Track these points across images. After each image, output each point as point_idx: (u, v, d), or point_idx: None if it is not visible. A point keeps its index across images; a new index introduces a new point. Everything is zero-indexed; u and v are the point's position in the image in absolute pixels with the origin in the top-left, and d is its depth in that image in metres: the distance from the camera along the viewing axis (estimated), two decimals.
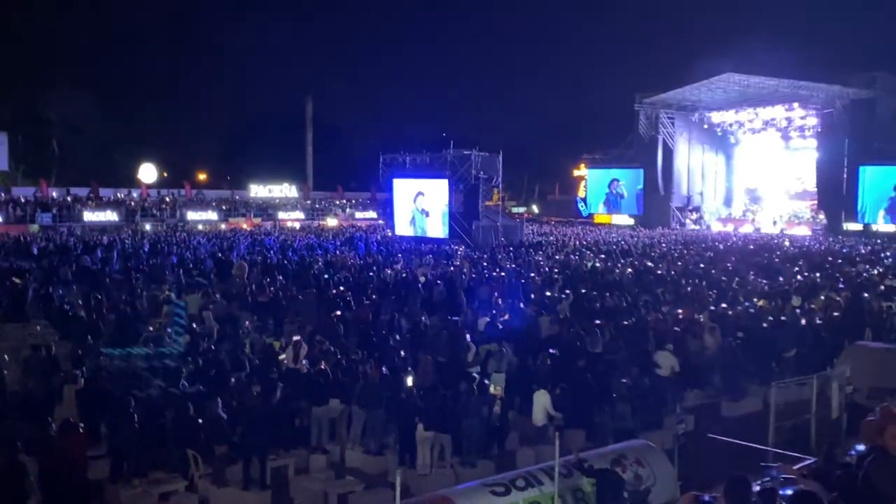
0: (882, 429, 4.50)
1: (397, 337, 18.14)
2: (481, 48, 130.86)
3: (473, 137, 53.52)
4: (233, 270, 26.74)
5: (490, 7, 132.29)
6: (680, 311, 20.93)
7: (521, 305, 21.45)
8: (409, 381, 13.66)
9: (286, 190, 75.96)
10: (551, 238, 49.29)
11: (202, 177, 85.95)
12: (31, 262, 29.29)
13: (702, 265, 31.85)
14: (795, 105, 58.76)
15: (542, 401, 13.43)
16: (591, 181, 73.52)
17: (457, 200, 47.34)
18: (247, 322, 19.51)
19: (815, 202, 60.90)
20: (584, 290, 24.03)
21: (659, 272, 29.41)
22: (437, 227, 47.58)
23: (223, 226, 59.19)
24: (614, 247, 41.32)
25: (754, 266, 31.61)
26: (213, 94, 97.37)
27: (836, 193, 57.34)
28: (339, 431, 13.66)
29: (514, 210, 78.20)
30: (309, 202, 74.54)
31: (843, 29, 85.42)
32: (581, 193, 77.67)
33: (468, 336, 17.11)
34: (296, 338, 16.29)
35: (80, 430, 10.82)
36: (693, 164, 67.58)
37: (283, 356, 15.79)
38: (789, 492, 4.19)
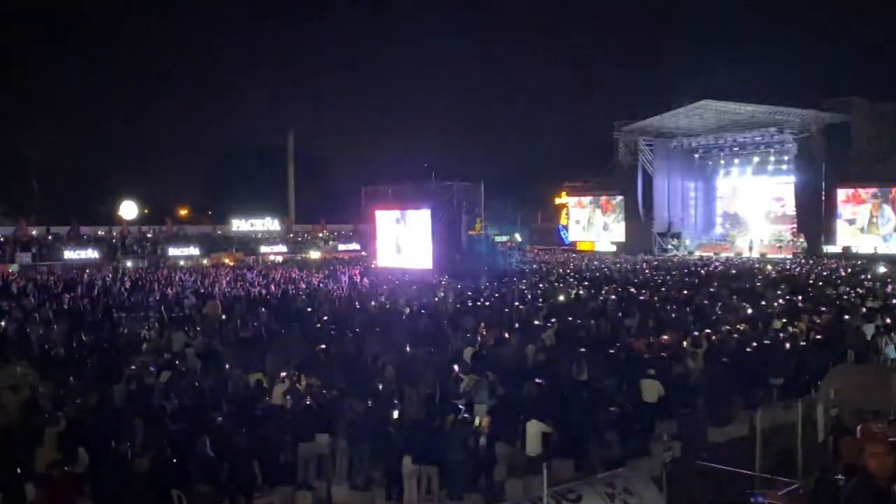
0: (861, 448, 4.51)
1: (382, 369, 18.01)
2: (461, 78, 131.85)
3: (455, 167, 53.94)
4: (205, 310, 26.38)
5: (470, 38, 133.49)
6: (664, 337, 20.95)
7: (506, 335, 21.40)
8: (395, 414, 13.57)
9: (268, 224, 75.91)
10: (534, 266, 49.45)
11: (183, 212, 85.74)
12: (11, 301, 29.00)
13: (685, 291, 31.99)
14: (772, 130, 59.51)
15: (534, 430, 13.36)
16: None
17: (439, 230, 47.44)
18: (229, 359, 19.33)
19: (795, 225, 61.48)
20: (569, 318, 24.06)
21: (642, 298, 29.52)
22: (420, 258, 47.58)
23: (205, 261, 58.92)
24: (597, 274, 41.48)
25: (736, 291, 31.78)
26: (193, 129, 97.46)
27: (814, 216, 57.94)
28: (325, 467, 13.52)
29: (497, 239, 78.24)
30: (291, 235, 74.45)
31: (817, 55, 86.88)
32: (563, 221, 78.05)
33: (456, 367, 17.01)
34: (283, 374, 16.17)
35: (63, 474, 10.66)
36: (673, 190, 68.13)
37: (266, 392, 15.64)
38: None
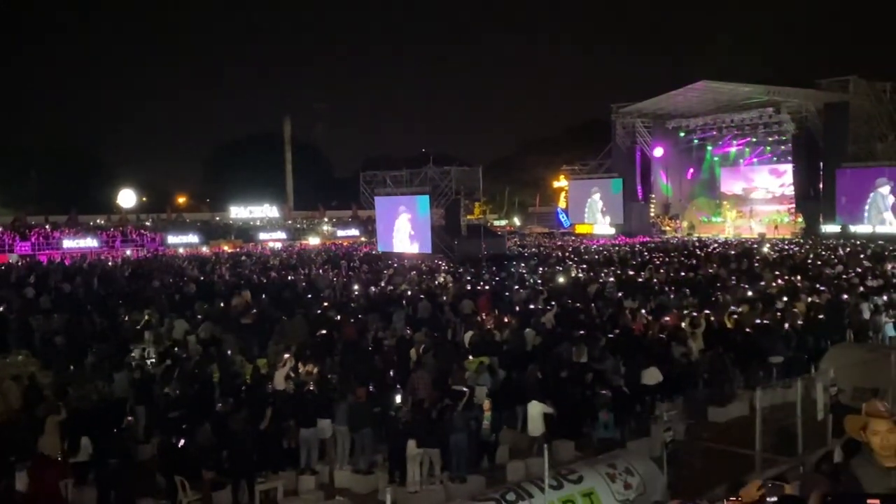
0: (865, 425, 4.52)
1: (383, 354, 18.04)
2: (458, 65, 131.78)
3: (453, 152, 53.88)
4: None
5: (466, 25, 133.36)
6: (665, 318, 20.97)
7: (506, 319, 21.43)
8: (398, 398, 13.62)
9: (266, 211, 75.80)
10: (533, 250, 49.47)
11: (182, 200, 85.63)
12: (11, 291, 28.98)
13: (682, 272, 32.01)
14: (770, 110, 59.35)
15: (536, 411, 13.42)
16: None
17: (438, 215, 47.43)
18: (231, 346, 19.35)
19: (793, 205, 61.41)
20: (568, 301, 24.08)
21: (640, 280, 29.54)
22: (420, 243, 47.60)
23: (205, 249, 58.91)
24: (596, 256, 41.49)
25: (736, 271, 31.80)
26: (191, 117, 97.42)
27: (813, 196, 57.89)
28: (327, 452, 13.59)
29: (496, 223, 78.24)
30: (290, 222, 74.39)
31: (815, 35, 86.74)
32: (562, 204, 77.96)
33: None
34: (286, 355, 16.20)
35: (58, 463, 10.69)
36: (671, 171, 68.09)
37: (268, 378, 15.68)
38: (774, 498, 4.19)
